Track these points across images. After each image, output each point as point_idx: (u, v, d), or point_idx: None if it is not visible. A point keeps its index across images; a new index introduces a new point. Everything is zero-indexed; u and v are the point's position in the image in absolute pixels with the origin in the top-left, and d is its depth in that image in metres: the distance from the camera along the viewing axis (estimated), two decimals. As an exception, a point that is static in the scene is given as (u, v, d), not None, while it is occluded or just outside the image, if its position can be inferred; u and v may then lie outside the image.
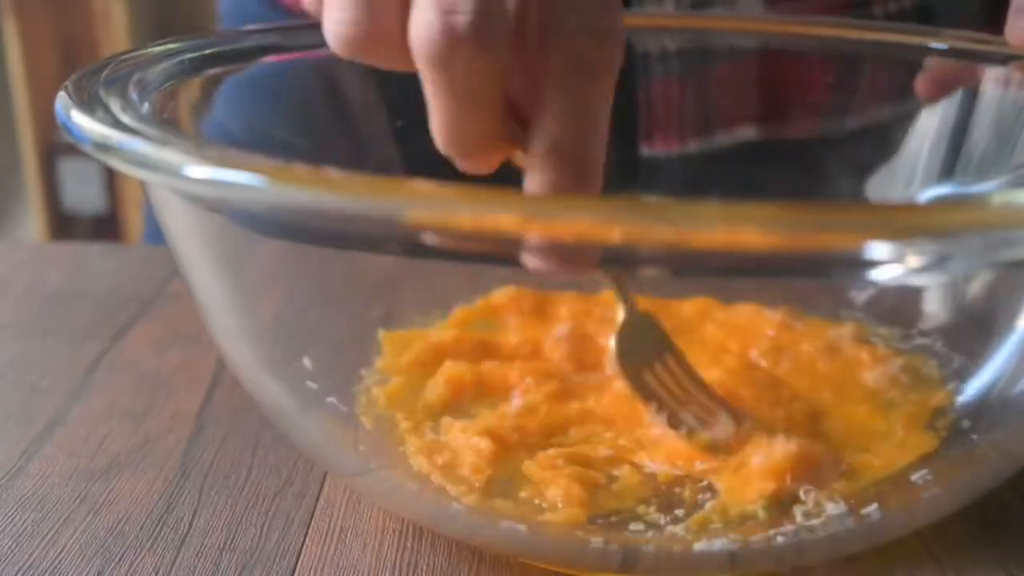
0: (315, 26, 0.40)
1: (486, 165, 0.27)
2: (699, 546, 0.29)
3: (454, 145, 0.26)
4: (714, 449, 0.32)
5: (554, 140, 0.25)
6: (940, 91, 0.41)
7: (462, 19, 0.24)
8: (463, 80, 0.25)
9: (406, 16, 0.25)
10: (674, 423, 0.33)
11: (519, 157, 0.27)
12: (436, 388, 0.35)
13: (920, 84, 0.40)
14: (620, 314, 0.35)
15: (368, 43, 0.26)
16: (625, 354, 0.34)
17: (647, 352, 0.34)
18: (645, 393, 0.34)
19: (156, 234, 0.57)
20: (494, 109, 0.25)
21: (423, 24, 0.24)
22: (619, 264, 0.33)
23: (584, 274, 0.38)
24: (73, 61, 1.60)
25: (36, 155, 1.65)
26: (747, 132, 0.47)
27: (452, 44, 0.24)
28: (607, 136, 0.26)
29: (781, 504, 0.30)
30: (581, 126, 0.26)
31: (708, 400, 0.34)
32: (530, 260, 0.24)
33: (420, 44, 0.24)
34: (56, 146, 1.65)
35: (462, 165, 0.27)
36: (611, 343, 0.34)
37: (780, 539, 0.29)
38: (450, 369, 0.36)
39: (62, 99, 0.27)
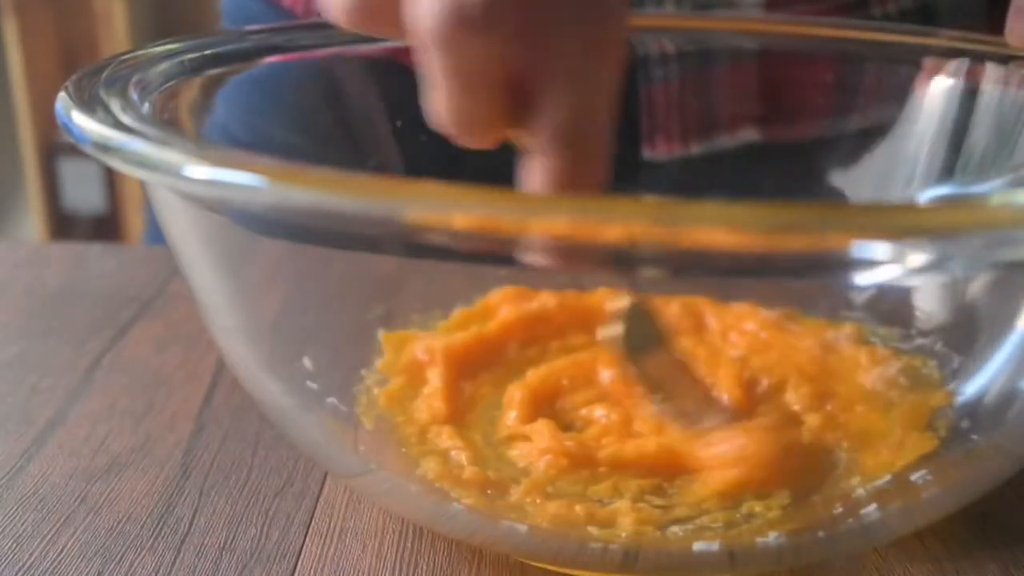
0: (315, 26, 0.40)
1: (486, 143, 0.26)
2: (699, 546, 0.29)
3: (454, 124, 0.26)
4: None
5: (557, 124, 0.25)
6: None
7: (469, 5, 0.23)
8: (466, 64, 0.24)
9: None
10: (674, 414, 0.33)
11: (518, 137, 0.26)
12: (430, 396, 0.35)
13: (920, 84, 0.41)
14: (619, 302, 0.34)
15: (365, 18, 0.26)
16: (628, 342, 0.34)
17: (647, 342, 0.34)
18: (648, 382, 0.34)
19: (157, 235, 0.57)
20: (495, 92, 0.25)
21: (427, 7, 0.24)
22: (617, 264, 0.32)
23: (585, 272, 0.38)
24: (73, 61, 1.60)
25: (36, 155, 1.65)
26: (749, 134, 0.47)
27: (458, 30, 0.24)
28: (611, 120, 0.26)
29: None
30: (585, 110, 0.25)
31: (704, 393, 0.34)
32: (533, 256, 0.23)
33: (423, 27, 0.24)
34: (56, 146, 1.65)
35: (464, 142, 0.26)
36: (613, 329, 0.34)
37: (780, 539, 0.29)
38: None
39: (62, 99, 0.27)
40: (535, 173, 0.26)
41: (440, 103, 0.25)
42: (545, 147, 0.25)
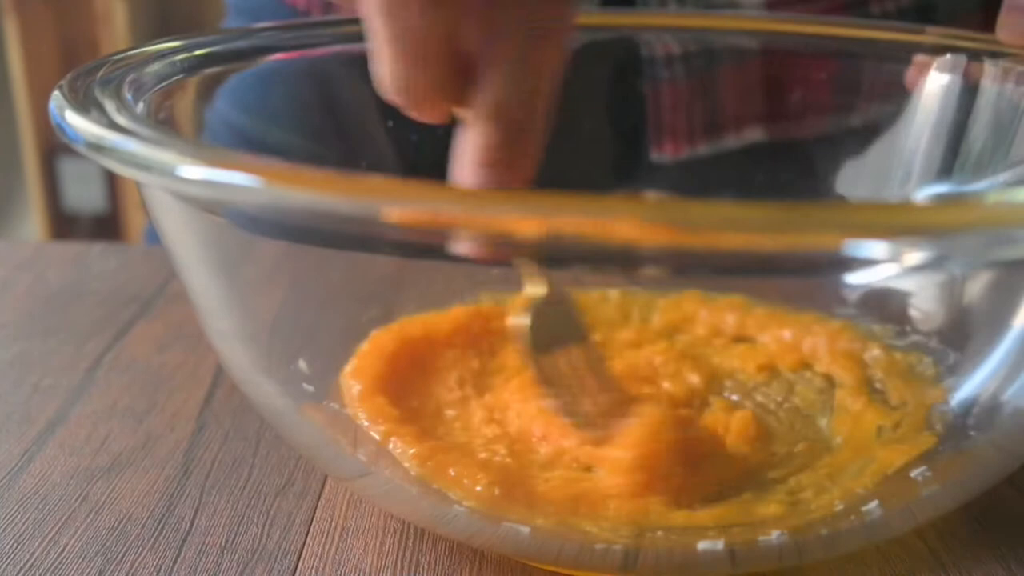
0: (314, 25, 0.40)
1: (435, 117, 0.27)
2: (699, 546, 0.29)
3: (399, 94, 0.26)
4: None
5: (497, 101, 0.25)
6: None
7: None
8: (412, 34, 0.25)
9: None
10: (567, 412, 0.32)
11: (461, 111, 0.27)
12: None
13: (910, 78, 0.41)
14: (531, 289, 0.32)
15: None
16: (537, 335, 0.32)
17: (559, 336, 0.33)
18: (544, 378, 0.32)
19: (157, 235, 0.57)
20: (441, 63, 0.25)
21: None
22: (620, 263, 0.32)
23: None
24: (74, 61, 1.60)
25: (36, 155, 1.65)
26: (755, 133, 0.47)
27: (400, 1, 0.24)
28: (551, 101, 0.26)
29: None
30: (525, 89, 0.26)
31: (610, 397, 0.33)
32: (460, 247, 0.23)
33: None
34: (56, 146, 1.65)
35: (411, 114, 0.27)
36: (520, 321, 0.32)
37: (780, 538, 0.29)
38: None
39: (56, 99, 0.27)
40: (464, 144, 0.26)
41: (384, 71, 0.26)
42: (482, 124, 0.26)
